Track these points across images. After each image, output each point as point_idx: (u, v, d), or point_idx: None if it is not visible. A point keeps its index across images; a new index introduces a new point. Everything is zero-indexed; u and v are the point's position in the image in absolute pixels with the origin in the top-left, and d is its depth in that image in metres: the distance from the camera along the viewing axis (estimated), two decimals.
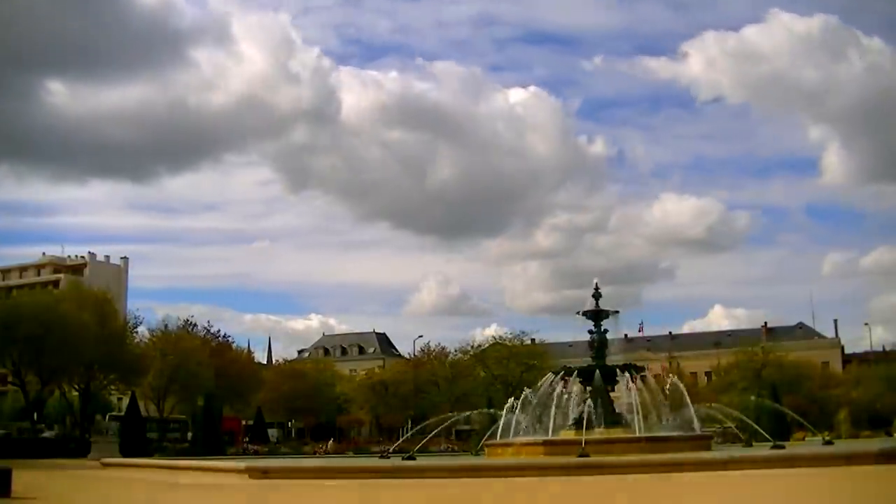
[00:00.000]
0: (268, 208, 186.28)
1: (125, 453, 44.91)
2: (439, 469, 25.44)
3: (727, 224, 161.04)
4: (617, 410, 32.67)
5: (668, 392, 35.18)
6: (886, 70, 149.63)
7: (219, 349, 74.56)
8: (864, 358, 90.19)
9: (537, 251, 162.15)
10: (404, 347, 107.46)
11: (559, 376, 34.09)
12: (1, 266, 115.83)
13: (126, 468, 33.42)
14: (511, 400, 35.73)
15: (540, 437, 31.13)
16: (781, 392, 59.60)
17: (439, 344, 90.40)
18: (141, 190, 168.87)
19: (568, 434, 30.70)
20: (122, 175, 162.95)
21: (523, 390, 35.56)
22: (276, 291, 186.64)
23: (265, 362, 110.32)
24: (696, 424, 33.00)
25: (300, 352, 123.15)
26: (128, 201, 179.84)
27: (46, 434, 60.25)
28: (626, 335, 79.92)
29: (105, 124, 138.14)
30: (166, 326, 71.77)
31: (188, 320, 75.23)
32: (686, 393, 34.87)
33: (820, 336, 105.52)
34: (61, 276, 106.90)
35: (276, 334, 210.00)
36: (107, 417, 74.63)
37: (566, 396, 33.48)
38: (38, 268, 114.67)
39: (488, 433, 36.55)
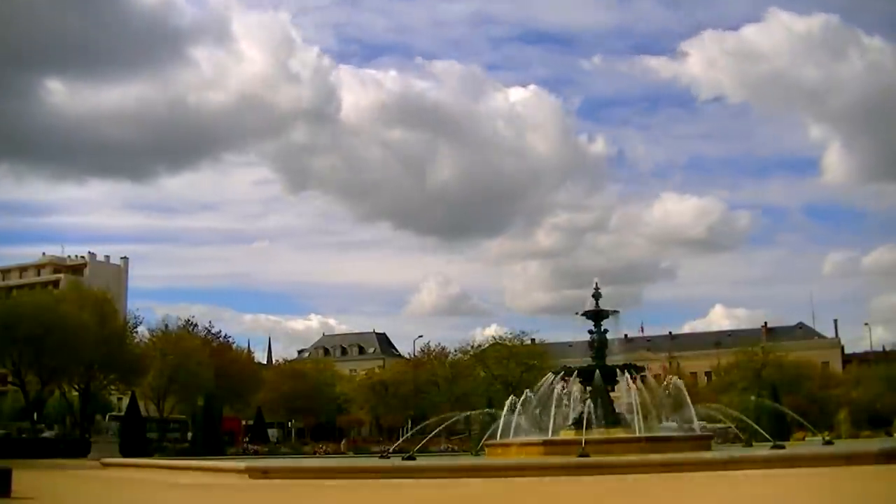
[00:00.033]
0: (267, 208, 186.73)
1: (125, 453, 44.88)
2: (439, 469, 25.44)
3: (728, 224, 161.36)
4: (617, 410, 32.65)
5: (669, 391, 35.19)
6: (887, 69, 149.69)
7: (219, 349, 74.55)
8: (864, 358, 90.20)
9: (537, 251, 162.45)
10: (404, 347, 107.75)
11: (559, 376, 34.07)
12: (1, 266, 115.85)
13: (126, 468, 33.40)
14: (511, 398, 35.75)
15: (540, 437, 31.08)
16: (781, 392, 59.63)
17: (439, 344, 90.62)
18: (140, 189, 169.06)
19: (568, 434, 30.66)
20: (122, 174, 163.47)
21: (524, 391, 35.57)
22: (275, 291, 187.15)
23: (265, 362, 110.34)
24: (696, 424, 33.04)
25: (300, 352, 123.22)
26: (127, 201, 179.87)
27: (46, 434, 60.27)
28: (626, 335, 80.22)
29: (104, 123, 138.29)
30: (166, 326, 71.84)
31: (189, 320, 75.51)
32: (686, 393, 34.88)
33: (820, 336, 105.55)
34: (61, 276, 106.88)
35: (276, 334, 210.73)
36: (107, 417, 74.44)
37: (566, 396, 33.48)
38: (38, 268, 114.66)
39: (488, 433, 36.55)
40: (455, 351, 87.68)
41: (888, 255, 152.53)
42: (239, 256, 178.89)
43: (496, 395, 58.92)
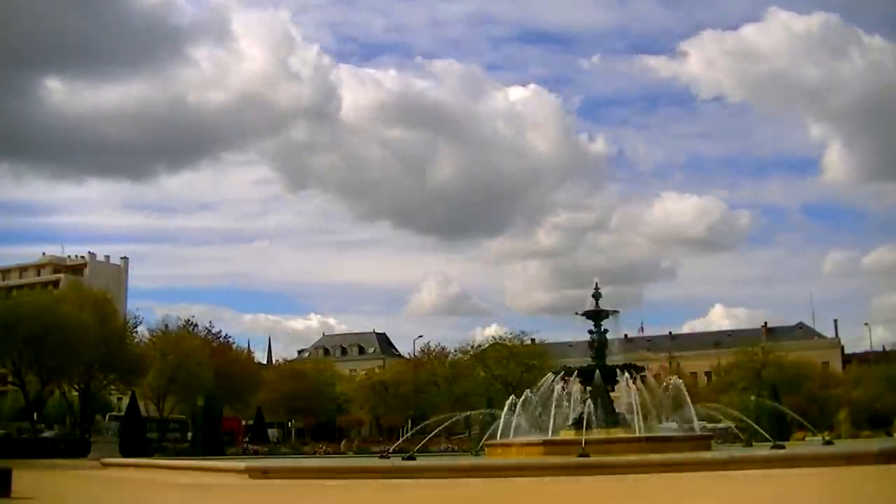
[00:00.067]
0: (267, 207, 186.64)
1: (125, 453, 44.91)
2: (439, 469, 25.44)
3: (728, 223, 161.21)
4: (617, 410, 32.66)
5: (669, 391, 35.18)
6: (888, 68, 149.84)
7: (219, 349, 74.57)
8: (864, 358, 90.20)
9: (538, 250, 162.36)
10: (404, 347, 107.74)
11: (559, 376, 34.07)
12: (1, 266, 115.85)
13: (126, 468, 33.43)
14: (511, 398, 35.75)
15: (540, 438, 31.08)
16: (781, 392, 59.63)
17: (439, 344, 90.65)
18: (139, 189, 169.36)
19: (568, 434, 30.69)
20: (121, 174, 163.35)
21: (525, 391, 35.56)
22: (275, 291, 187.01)
23: (265, 362, 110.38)
24: (696, 424, 33.03)
25: (300, 352, 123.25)
26: (126, 201, 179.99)
27: (46, 434, 60.24)
28: (626, 335, 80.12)
29: (104, 123, 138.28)
30: (166, 326, 71.84)
31: (189, 320, 75.52)
32: (686, 393, 34.87)
33: (820, 336, 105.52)
34: (61, 276, 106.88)
35: (276, 334, 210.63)
36: (107, 417, 74.58)
37: (566, 397, 33.47)
38: (38, 268, 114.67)
39: (488, 433, 36.55)
40: (455, 351, 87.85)
41: (888, 254, 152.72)
42: (238, 256, 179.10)
43: (496, 395, 58.91)
